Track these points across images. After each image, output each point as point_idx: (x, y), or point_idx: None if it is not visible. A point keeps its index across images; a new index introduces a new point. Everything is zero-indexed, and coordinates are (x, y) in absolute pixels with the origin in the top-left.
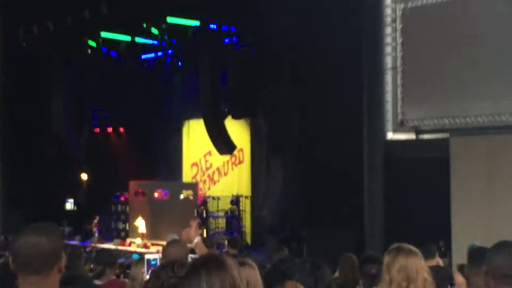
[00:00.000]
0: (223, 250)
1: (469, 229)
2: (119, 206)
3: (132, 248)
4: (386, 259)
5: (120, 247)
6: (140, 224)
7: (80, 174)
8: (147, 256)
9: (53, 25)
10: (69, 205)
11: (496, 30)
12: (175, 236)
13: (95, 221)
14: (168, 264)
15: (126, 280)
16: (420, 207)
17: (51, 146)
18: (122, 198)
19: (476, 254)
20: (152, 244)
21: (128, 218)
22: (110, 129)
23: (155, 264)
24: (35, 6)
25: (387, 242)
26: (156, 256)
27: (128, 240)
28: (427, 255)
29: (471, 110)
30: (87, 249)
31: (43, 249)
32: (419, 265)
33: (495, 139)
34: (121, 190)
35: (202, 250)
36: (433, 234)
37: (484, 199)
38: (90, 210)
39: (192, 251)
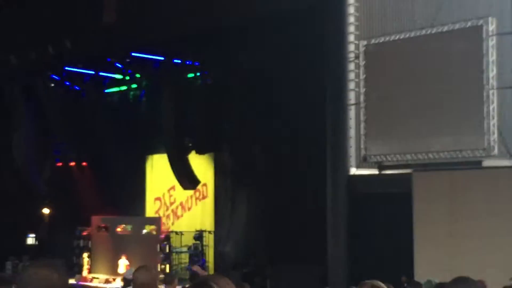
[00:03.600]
0: (186, 286)
1: (431, 264)
2: (81, 241)
3: (94, 283)
4: None
5: (81, 283)
6: (121, 263)
7: (42, 208)
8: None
9: (17, 59)
10: (30, 240)
11: (458, 66)
12: (132, 269)
13: (85, 255)
14: None
15: None
16: (383, 242)
17: (12, 180)
18: (85, 233)
19: None
20: (114, 280)
21: (90, 253)
22: (72, 163)
23: None
24: None
25: (350, 277)
26: (119, 286)
27: (90, 276)
28: None
29: (434, 145)
30: None
31: (53, 284)
32: None
33: (457, 174)
34: (84, 224)
35: None
36: (397, 270)
37: (446, 234)
38: (52, 245)
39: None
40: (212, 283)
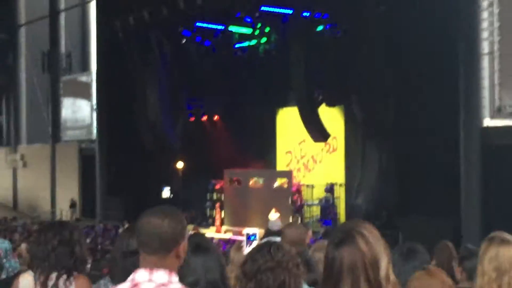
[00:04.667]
0: (318, 238)
1: None
2: (214, 194)
3: (227, 235)
4: (481, 249)
5: (216, 235)
6: (273, 216)
7: (176, 162)
8: (246, 231)
9: (149, 16)
10: (166, 193)
11: None
12: (279, 221)
13: (218, 208)
14: (264, 246)
15: None
16: None
17: (147, 135)
18: (217, 186)
19: None
20: None
21: (223, 206)
22: (204, 118)
23: (254, 239)
24: None
25: (484, 230)
26: (256, 231)
27: (223, 228)
28: None
29: None
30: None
31: (163, 231)
32: None
33: None
34: (216, 178)
35: None
36: None
37: None
38: (186, 198)
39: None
40: (355, 232)
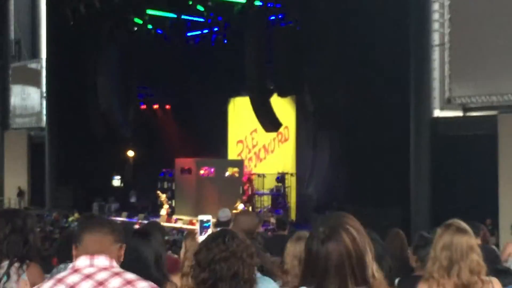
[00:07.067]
0: (269, 228)
1: None
2: (165, 183)
3: (178, 224)
4: (436, 234)
5: (165, 224)
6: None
7: (127, 151)
8: (200, 217)
9: (100, 3)
10: (116, 182)
11: None
12: (228, 211)
13: (166, 197)
14: (219, 236)
15: (175, 255)
16: (467, 185)
17: (98, 123)
18: (168, 175)
19: None
20: (197, 221)
21: (174, 195)
22: (156, 106)
23: (208, 226)
24: None
25: (433, 219)
26: (210, 217)
27: (174, 217)
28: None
29: None
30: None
31: (104, 237)
32: (466, 245)
33: None
34: (167, 167)
35: None
36: (480, 212)
37: None
38: (137, 187)
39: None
40: (341, 228)
